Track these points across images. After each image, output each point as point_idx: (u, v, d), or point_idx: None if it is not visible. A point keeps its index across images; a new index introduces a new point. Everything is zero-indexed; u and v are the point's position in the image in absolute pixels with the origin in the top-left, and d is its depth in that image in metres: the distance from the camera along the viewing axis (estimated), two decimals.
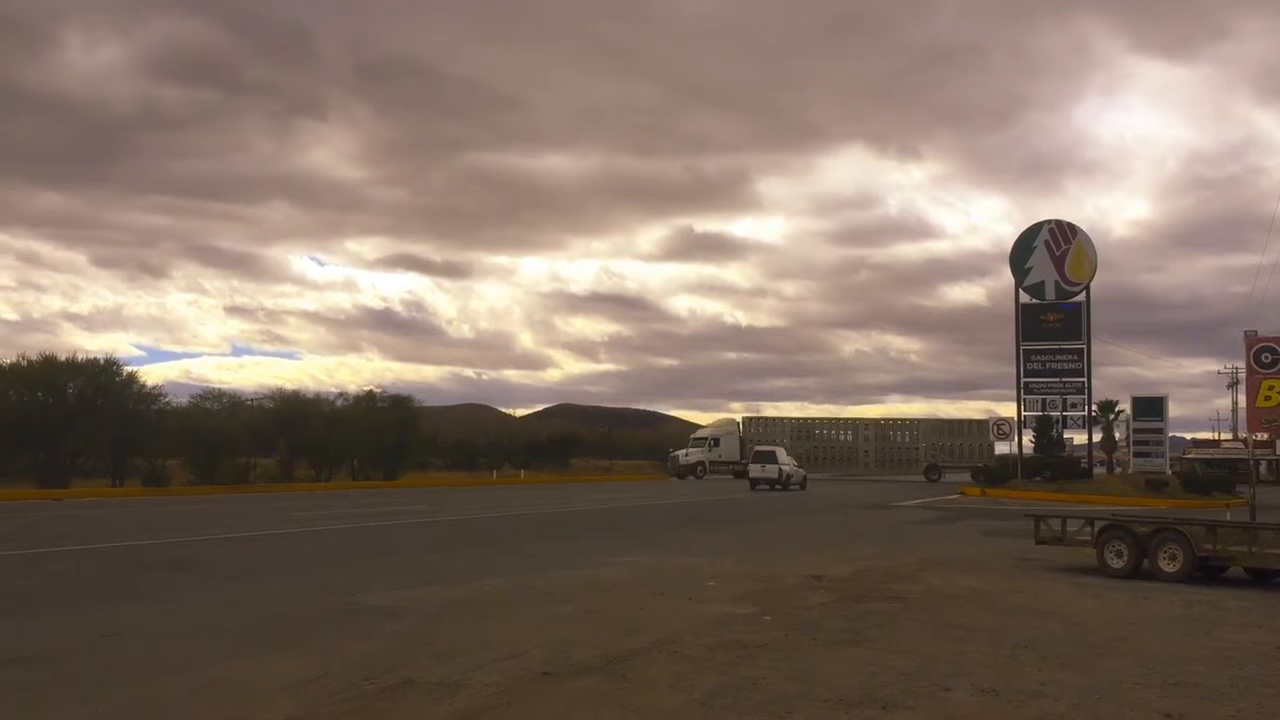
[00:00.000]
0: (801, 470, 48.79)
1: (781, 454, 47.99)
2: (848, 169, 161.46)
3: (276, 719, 5.71)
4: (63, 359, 40.51)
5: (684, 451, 64.00)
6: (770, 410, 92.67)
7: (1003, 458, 49.76)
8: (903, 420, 73.13)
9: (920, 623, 9.44)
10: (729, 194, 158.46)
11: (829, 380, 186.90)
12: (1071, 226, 45.99)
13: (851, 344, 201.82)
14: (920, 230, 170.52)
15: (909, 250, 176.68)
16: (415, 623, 9.09)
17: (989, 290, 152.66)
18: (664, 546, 17.17)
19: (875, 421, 71.78)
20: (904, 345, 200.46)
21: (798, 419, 72.23)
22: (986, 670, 7.29)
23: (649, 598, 10.68)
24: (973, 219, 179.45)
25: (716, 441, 64.02)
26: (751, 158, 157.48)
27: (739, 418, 69.31)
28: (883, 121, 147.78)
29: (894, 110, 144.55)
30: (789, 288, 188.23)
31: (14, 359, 39.46)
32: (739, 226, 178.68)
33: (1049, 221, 46.42)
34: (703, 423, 74.93)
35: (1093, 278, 45.16)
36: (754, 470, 45.71)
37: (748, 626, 9.01)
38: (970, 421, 71.38)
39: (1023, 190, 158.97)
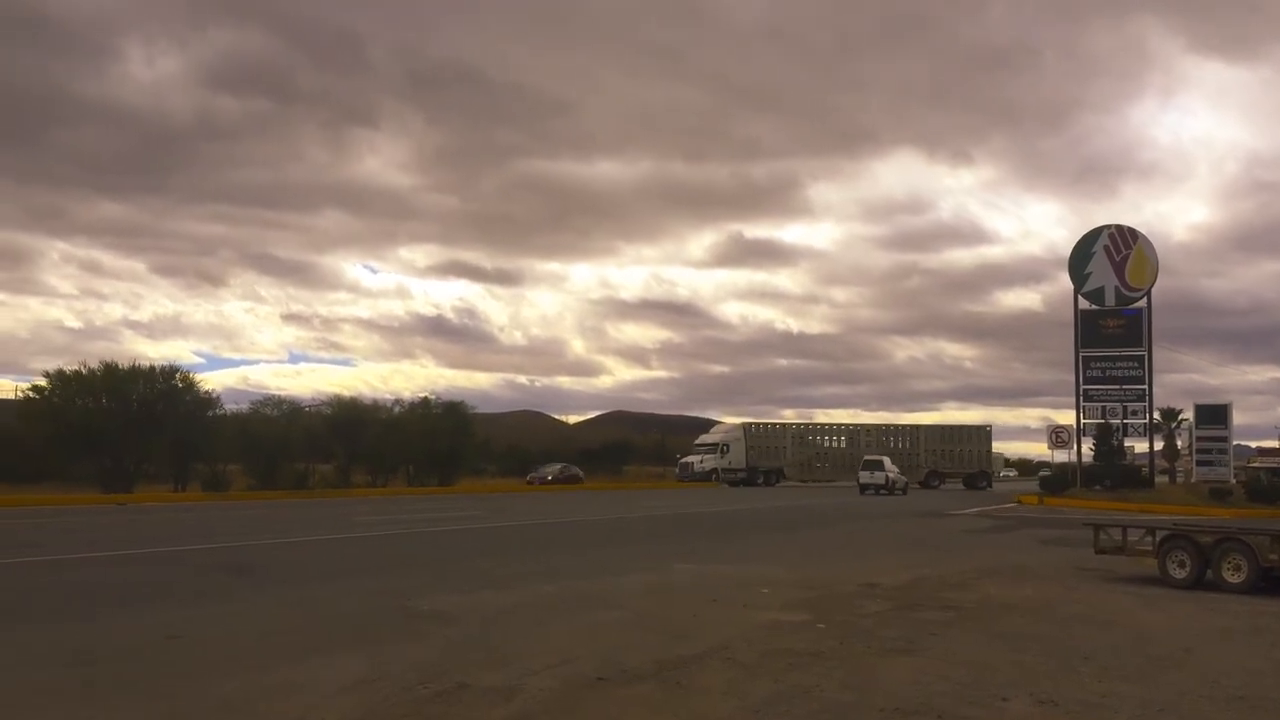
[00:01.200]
0: (903, 477, 54.75)
1: (887, 463, 52.73)
2: (899, 173, 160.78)
3: (335, 719, 5.79)
4: (126, 367, 41.36)
5: (697, 458, 64.21)
6: (822, 417, 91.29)
7: (1062, 466, 49.02)
8: (902, 426, 71.58)
9: (977, 632, 9.35)
10: (779, 199, 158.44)
11: (882, 387, 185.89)
12: (1132, 231, 45.31)
13: (905, 350, 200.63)
14: (973, 235, 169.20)
15: (962, 256, 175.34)
16: (469, 627, 9.16)
17: (1044, 296, 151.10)
18: (717, 553, 17.14)
19: (876, 428, 70.61)
20: (958, 352, 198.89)
21: (801, 424, 71.48)
22: (1045, 681, 7.20)
23: (702, 604, 10.67)
24: (1027, 224, 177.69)
25: (727, 448, 63.86)
26: (802, 162, 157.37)
27: (741, 424, 68.23)
28: (934, 125, 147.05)
29: (945, 113, 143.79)
30: (840, 294, 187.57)
31: (78, 367, 40.32)
32: (789, 232, 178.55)
33: (1109, 226, 45.77)
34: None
35: (1154, 283, 44.44)
36: (864, 477, 50.95)
37: (801, 634, 8.97)
38: (968, 427, 70.34)
39: (1078, 194, 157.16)
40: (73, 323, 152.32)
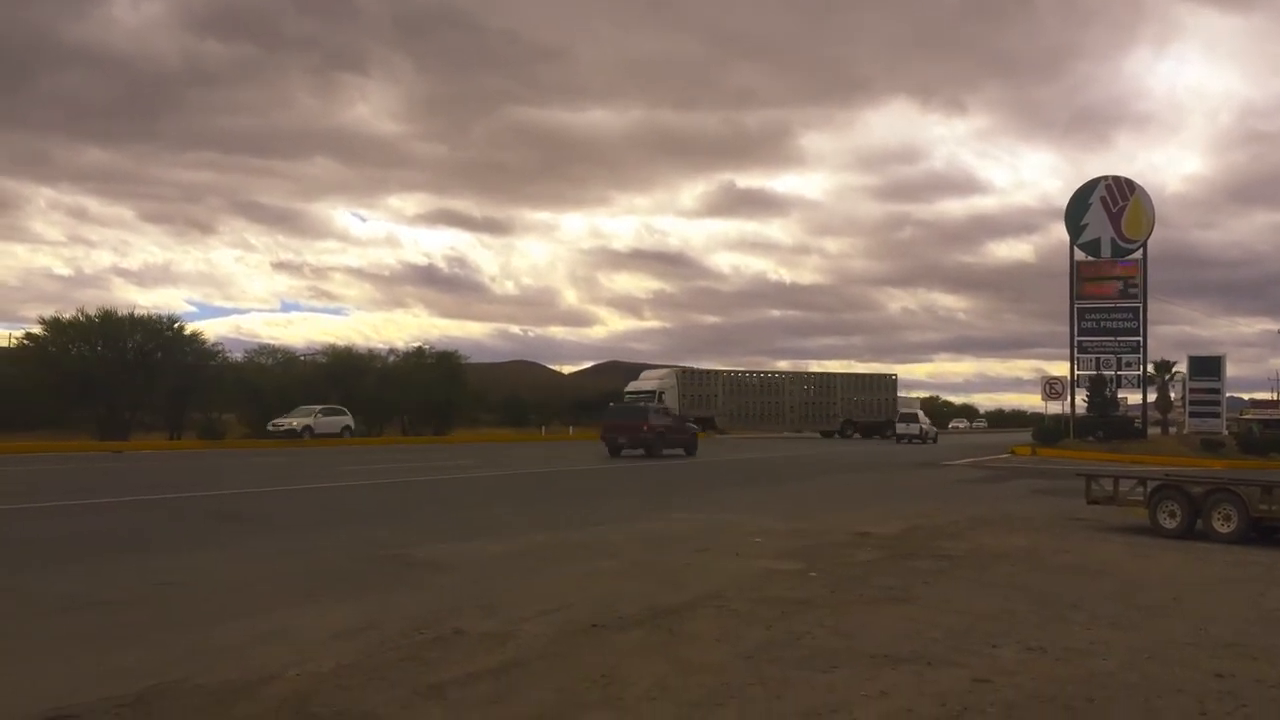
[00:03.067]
0: (934, 428, 62.53)
1: (921, 415, 60.43)
2: (892, 123, 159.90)
3: (330, 665, 5.83)
4: (121, 315, 41.26)
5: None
6: (816, 368, 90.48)
7: (1055, 417, 49.22)
8: (822, 374, 69.88)
9: (968, 581, 9.42)
10: (771, 149, 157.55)
11: (876, 339, 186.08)
12: (1129, 182, 45.16)
13: (898, 302, 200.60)
14: (966, 185, 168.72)
15: (955, 206, 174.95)
16: (464, 575, 9.22)
17: (1037, 247, 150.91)
18: (710, 503, 17.24)
19: (800, 375, 69.15)
20: (951, 303, 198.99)
21: (732, 371, 66.31)
22: (1035, 629, 7.27)
23: (695, 553, 10.74)
24: (1020, 174, 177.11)
25: (661, 396, 57.31)
26: (794, 111, 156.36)
27: (672, 369, 62.89)
28: (927, 74, 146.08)
29: (939, 62, 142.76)
30: (832, 245, 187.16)
31: (73, 314, 40.23)
32: (781, 182, 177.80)
33: (1106, 177, 45.60)
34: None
35: (1150, 235, 44.36)
36: (900, 428, 56.96)
37: (793, 582, 9.04)
38: (875, 375, 69.85)
39: (1072, 144, 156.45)
40: (62, 270, 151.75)
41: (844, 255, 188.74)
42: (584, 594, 8.22)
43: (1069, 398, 46.12)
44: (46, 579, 8.81)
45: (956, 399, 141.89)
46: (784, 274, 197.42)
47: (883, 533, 12.81)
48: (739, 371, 67.03)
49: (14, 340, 43.21)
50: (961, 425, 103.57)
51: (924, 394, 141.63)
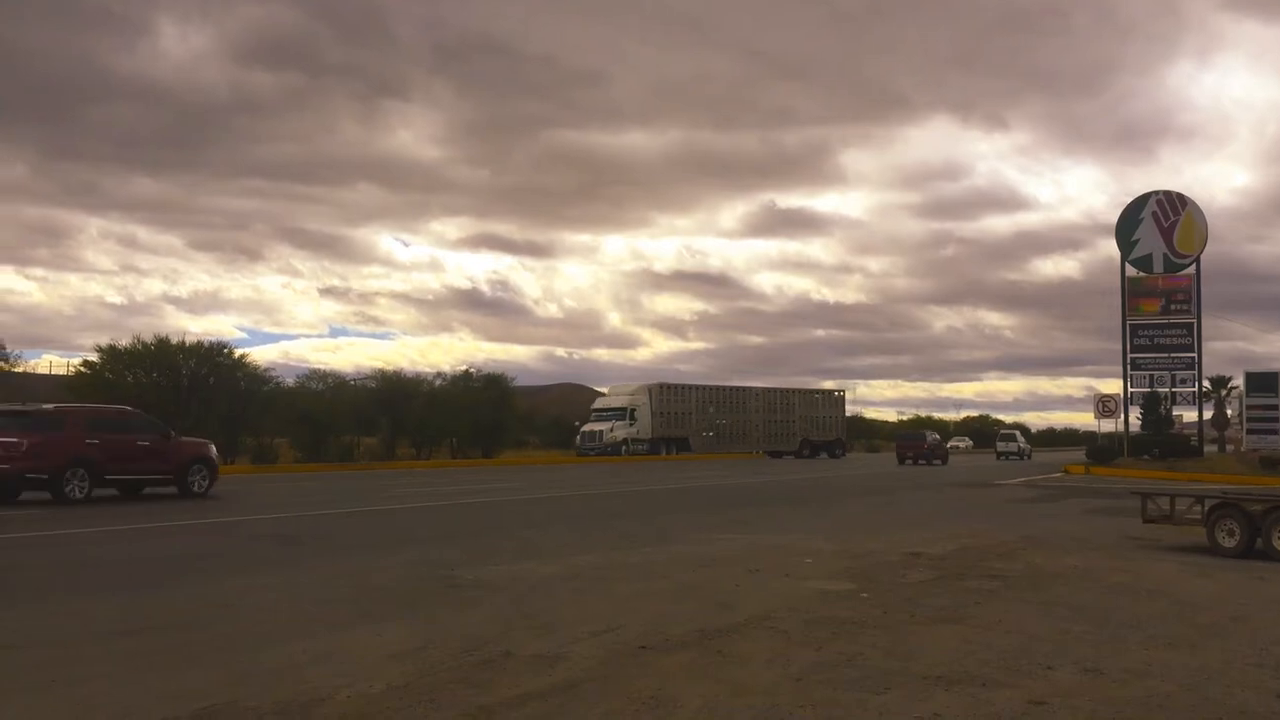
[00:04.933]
0: (1028, 446, 70.53)
1: (1019, 435, 70.33)
2: (932, 140, 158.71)
3: (381, 687, 5.87)
4: (174, 342, 41.96)
5: (605, 426, 54.97)
6: (863, 389, 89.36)
7: (1109, 435, 48.52)
8: (781, 391, 66.50)
9: (1022, 601, 9.30)
10: (811, 168, 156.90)
11: (923, 357, 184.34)
12: (1181, 197, 44.60)
13: (943, 320, 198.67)
14: (1010, 202, 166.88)
15: (999, 223, 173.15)
16: (513, 597, 9.24)
17: (1084, 263, 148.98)
18: (758, 524, 17.16)
19: (765, 392, 65.47)
20: (998, 321, 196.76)
21: (706, 387, 63.02)
22: (1090, 649, 7.16)
23: (744, 574, 10.70)
24: (1065, 189, 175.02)
25: (634, 414, 55.56)
26: (833, 130, 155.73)
27: (644, 385, 59.03)
28: (967, 90, 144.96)
29: (978, 78, 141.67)
30: (875, 264, 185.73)
31: (129, 342, 40.95)
32: (822, 201, 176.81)
33: (1156, 192, 45.08)
34: None
35: (1203, 249, 43.74)
36: (1000, 446, 66.80)
37: (844, 603, 8.98)
38: (824, 392, 68.38)
39: (1116, 159, 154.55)
40: (115, 298, 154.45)
41: (887, 274, 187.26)
42: (633, 615, 8.21)
43: (1122, 415, 45.49)
44: (105, 602, 8.95)
45: (1007, 418, 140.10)
46: (827, 293, 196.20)
47: (934, 553, 12.68)
48: (712, 386, 64.02)
49: (72, 368, 44.13)
50: (962, 445, 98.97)
51: (973, 413, 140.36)
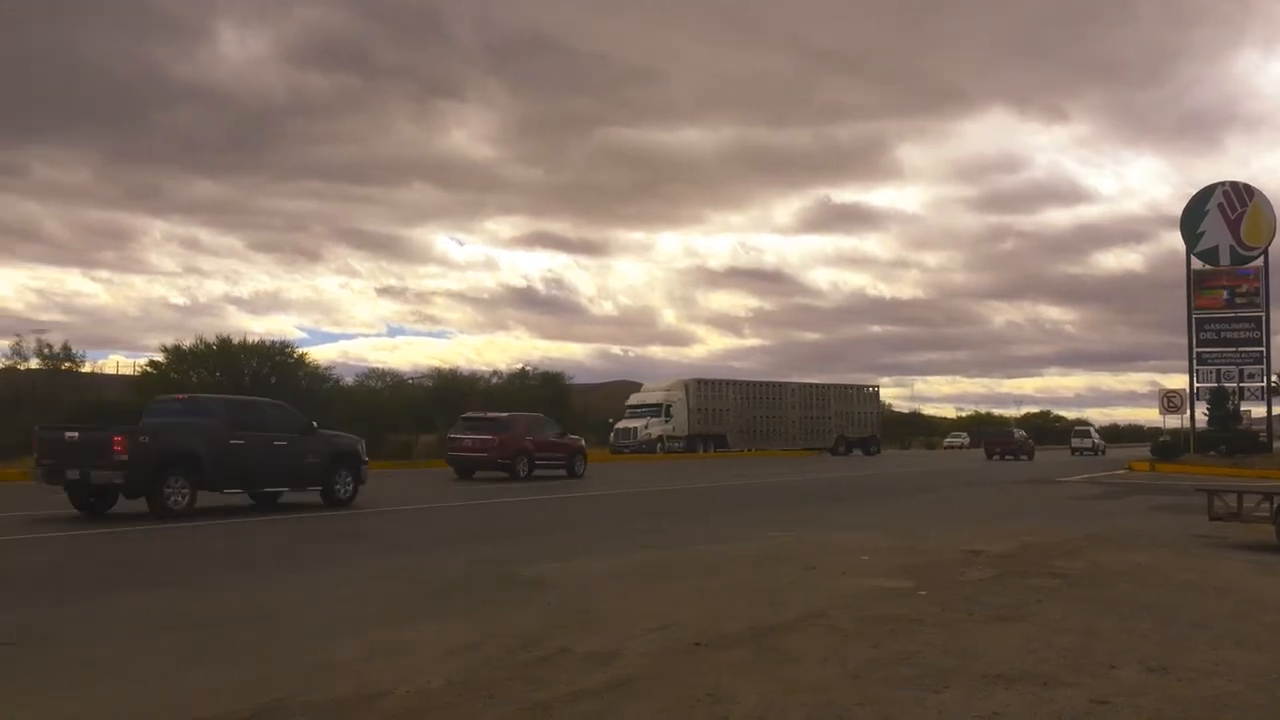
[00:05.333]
0: (1102, 441, 74.73)
1: (1093, 431, 75.99)
2: (989, 132, 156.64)
3: (440, 683, 5.91)
4: (236, 342, 42.68)
5: (640, 423, 53.12)
6: (921, 385, 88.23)
7: (1174, 431, 47.61)
8: (817, 386, 64.38)
9: (1084, 599, 9.15)
10: (866, 163, 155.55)
11: (982, 353, 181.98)
12: (1248, 188, 43.64)
13: (1002, 315, 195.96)
14: (1070, 194, 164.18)
15: (1059, 216, 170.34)
16: (568, 593, 9.27)
17: (1147, 256, 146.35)
18: (811, 521, 17.06)
19: (801, 387, 63.40)
20: (1058, 316, 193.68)
21: (744, 382, 60.79)
22: (1155, 648, 7.02)
23: (800, 571, 10.63)
24: (1127, 181, 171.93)
25: (669, 410, 53.79)
26: (888, 124, 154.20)
27: (682, 381, 57.14)
28: (1024, 81, 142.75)
29: (1036, 68, 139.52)
30: (931, 258, 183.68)
31: (193, 342, 41.71)
32: (877, 196, 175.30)
33: (1222, 184, 44.14)
34: None
35: (1271, 241, 42.76)
36: (1075, 442, 72.14)
37: (901, 601, 8.89)
38: (862, 388, 66.19)
39: (1180, 149, 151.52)
40: (178, 299, 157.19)
41: (944, 269, 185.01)
42: (688, 612, 8.19)
43: (1188, 411, 44.61)
44: (160, 598, 9.10)
45: (1068, 414, 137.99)
46: (883, 289, 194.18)
47: (994, 550, 12.51)
48: (749, 382, 61.89)
49: (138, 369, 45.04)
50: (959, 441, 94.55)
51: (1033, 409, 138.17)
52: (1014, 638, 7.33)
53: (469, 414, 32.78)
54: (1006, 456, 55.96)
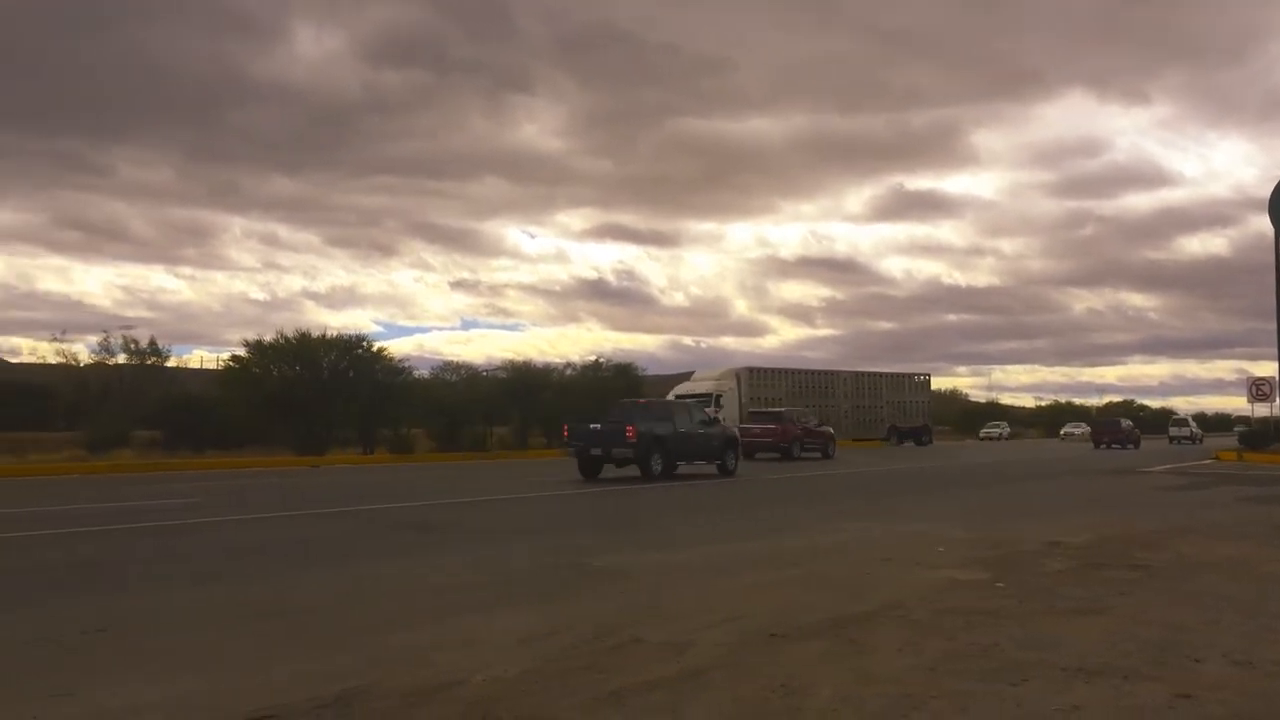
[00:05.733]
0: (1200, 430, 77.26)
1: (1190, 420, 77.20)
2: (1068, 116, 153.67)
3: (514, 672, 5.98)
4: (315, 336, 43.40)
5: None
6: (999, 374, 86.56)
7: (1263, 420, 46.30)
8: (873, 375, 62.55)
9: (1168, 591, 8.94)
10: (940, 149, 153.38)
11: (1061, 341, 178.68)
12: None
13: (1083, 303, 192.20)
14: (1153, 178, 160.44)
15: (1141, 200, 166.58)
16: (642, 584, 9.30)
17: (1232, 240, 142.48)
18: (889, 512, 16.91)
19: (853, 376, 61.42)
20: (1141, 303, 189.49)
21: (798, 370, 59.09)
22: (1241, 640, 6.84)
23: (875, 563, 10.55)
24: (1211, 163, 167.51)
25: (720, 400, 51.66)
26: (963, 109, 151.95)
27: (733, 370, 55.25)
28: (1103, 63, 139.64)
29: (1115, 50, 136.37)
30: (1008, 245, 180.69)
31: (273, 337, 42.53)
32: (952, 183, 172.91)
33: None
34: (930, 387, 69.26)
35: None
36: (1173, 431, 74.47)
37: (978, 593, 8.78)
38: (912, 376, 64.20)
39: (1266, 130, 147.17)
40: (258, 295, 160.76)
41: (1021, 256, 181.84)
42: (762, 604, 8.18)
43: (1277, 399, 43.34)
44: (247, 585, 9.34)
45: (1152, 402, 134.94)
46: (958, 277, 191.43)
47: (1074, 542, 12.29)
48: (802, 371, 59.77)
49: (221, 363, 46.08)
50: (996, 432, 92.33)
51: (1115, 398, 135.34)
52: (1094, 630, 7.20)
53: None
54: (1114, 445, 58.94)
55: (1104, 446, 58.38)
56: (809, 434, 40.90)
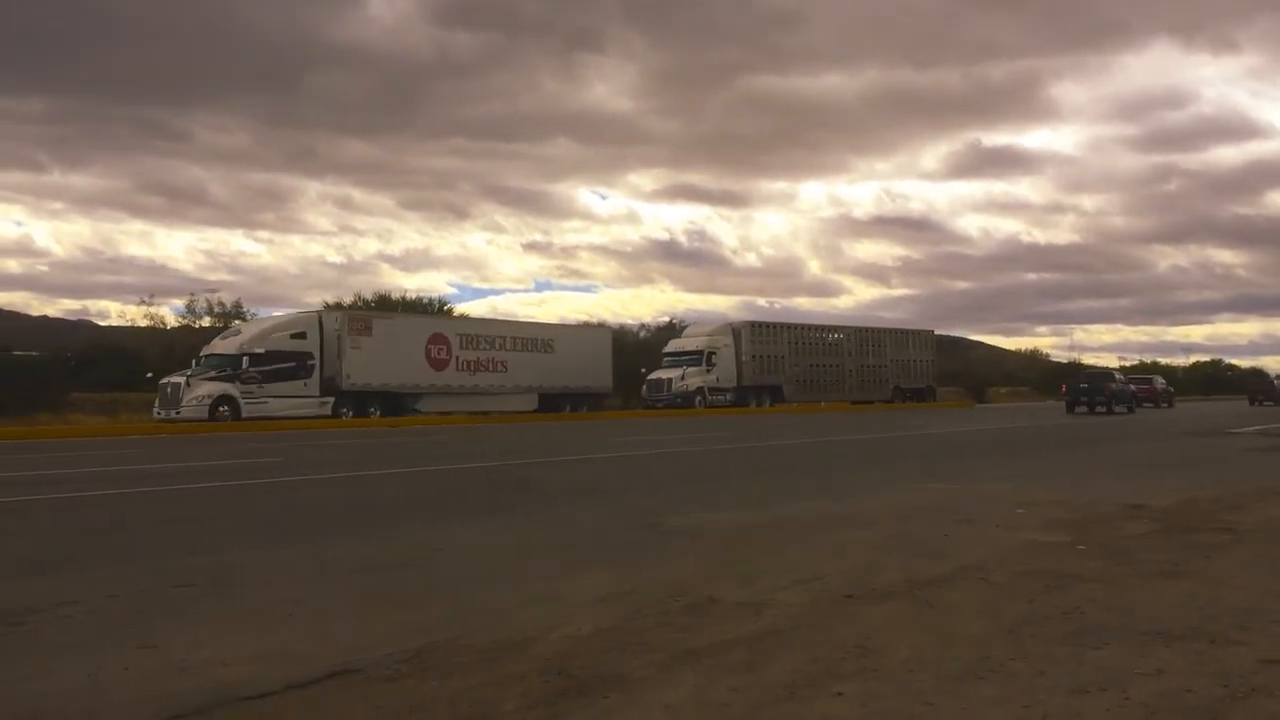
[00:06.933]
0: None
1: (1276, 380, 73.66)
2: (1152, 66, 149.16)
3: (589, 629, 6.06)
4: (394, 299, 44.06)
5: (676, 373, 47.83)
6: (1080, 334, 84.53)
7: None
8: (877, 331, 59.86)
9: (1254, 555, 8.75)
10: (1019, 103, 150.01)
11: (1145, 300, 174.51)
12: None
13: (1167, 260, 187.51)
14: (1242, 129, 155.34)
15: (1228, 153, 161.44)
16: (718, 544, 9.35)
17: None
18: (968, 473, 16.73)
19: (857, 332, 58.50)
20: (1229, 259, 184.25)
21: (799, 325, 56.35)
22: None
23: (953, 524, 10.47)
24: None
25: (713, 358, 49.01)
26: (1043, 61, 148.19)
27: (729, 325, 52.89)
28: (1189, 10, 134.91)
29: None
30: (1089, 202, 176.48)
31: (352, 299, 43.27)
32: (1031, 138, 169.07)
33: None
34: (1010, 348, 67.75)
35: None
36: (1251, 392, 71.93)
37: (1059, 555, 8.67)
38: (915, 333, 60.71)
39: None
40: (335, 258, 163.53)
41: (1102, 212, 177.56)
42: (838, 564, 8.18)
43: None
44: (340, 543, 9.57)
45: (1241, 362, 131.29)
46: (1037, 235, 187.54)
47: (1158, 505, 12.05)
48: (803, 325, 56.71)
49: None
50: None
51: (1202, 358, 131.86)
52: (1177, 594, 7.08)
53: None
54: (1266, 402, 64.54)
55: (1257, 404, 64.29)
56: (1142, 390, 55.49)
